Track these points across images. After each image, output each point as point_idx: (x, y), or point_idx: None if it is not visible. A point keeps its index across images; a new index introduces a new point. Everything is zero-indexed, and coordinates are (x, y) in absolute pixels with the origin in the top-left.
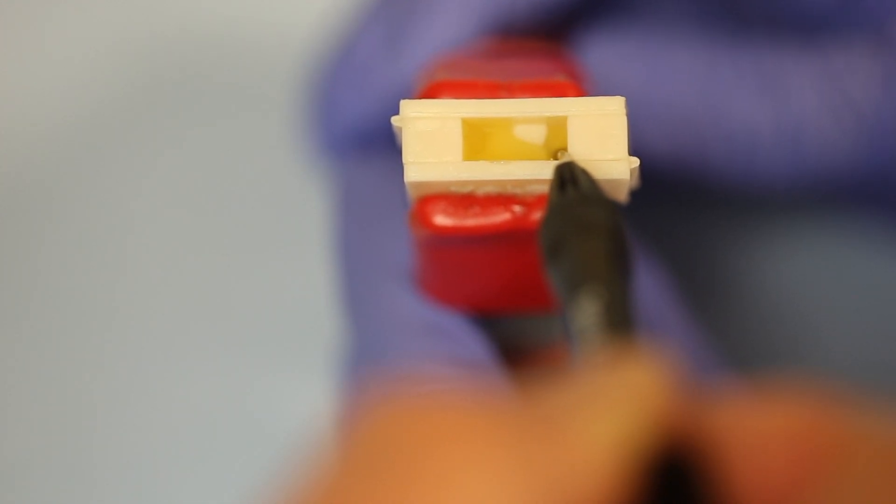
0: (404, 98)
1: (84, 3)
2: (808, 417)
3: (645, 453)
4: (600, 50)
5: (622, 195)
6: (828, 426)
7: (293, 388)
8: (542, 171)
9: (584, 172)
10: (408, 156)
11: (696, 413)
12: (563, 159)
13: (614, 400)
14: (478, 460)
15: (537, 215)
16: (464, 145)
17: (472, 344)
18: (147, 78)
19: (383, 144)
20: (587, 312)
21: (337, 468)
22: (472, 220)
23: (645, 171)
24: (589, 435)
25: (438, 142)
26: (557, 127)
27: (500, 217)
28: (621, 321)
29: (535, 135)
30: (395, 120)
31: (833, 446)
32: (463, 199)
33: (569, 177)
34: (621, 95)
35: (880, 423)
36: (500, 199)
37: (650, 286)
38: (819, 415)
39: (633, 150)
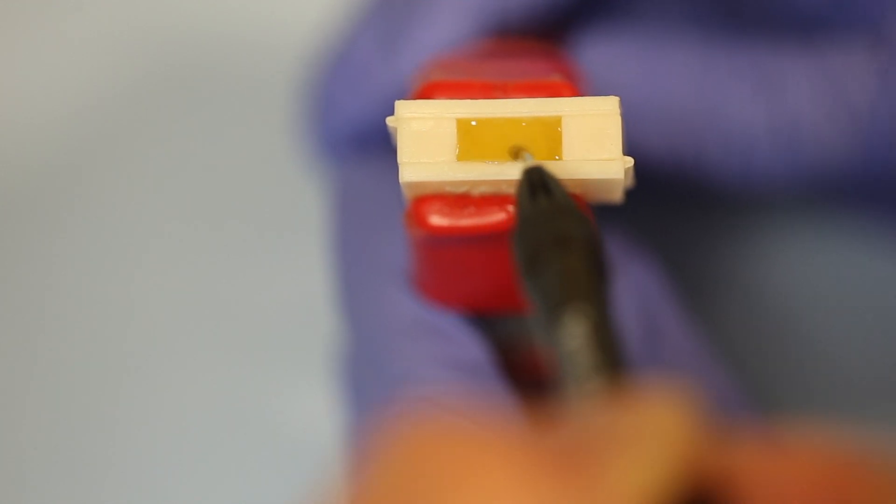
0: (400, 98)
1: (84, 1)
2: (833, 463)
3: (673, 500)
4: (596, 50)
5: (617, 195)
6: (854, 472)
7: (292, 390)
8: None
9: (555, 179)
10: (403, 156)
11: (721, 457)
12: (529, 162)
13: (644, 444)
14: (510, 497)
15: None
16: (458, 145)
17: (468, 344)
18: (143, 79)
19: (380, 145)
20: (574, 334)
21: (366, 496)
22: (468, 220)
23: (641, 171)
24: (620, 480)
25: (433, 142)
26: (552, 127)
27: (496, 217)
28: (610, 343)
29: (531, 135)
30: (390, 120)
31: (860, 493)
32: (458, 199)
33: (539, 183)
34: (617, 95)
35: None
36: (496, 198)
37: (648, 285)
38: (845, 460)
39: (629, 150)
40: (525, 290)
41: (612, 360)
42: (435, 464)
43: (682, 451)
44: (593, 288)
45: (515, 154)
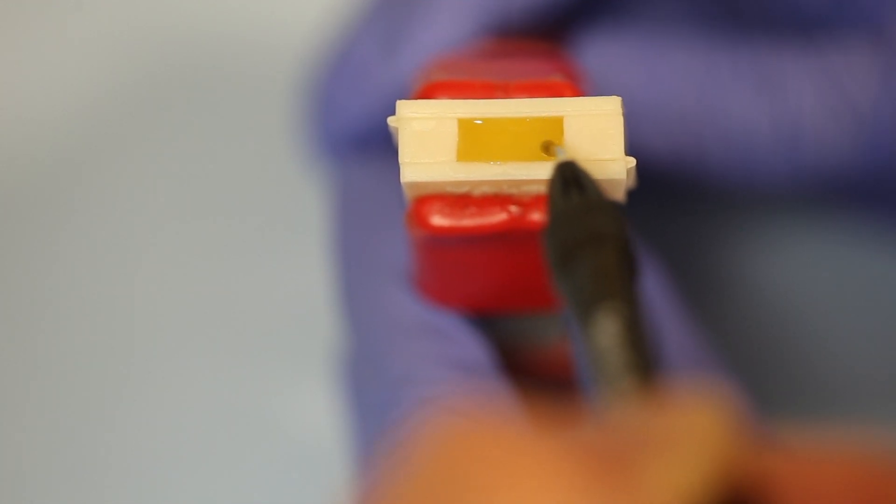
0: (401, 98)
1: (84, 1)
2: (868, 466)
3: (710, 502)
4: (598, 50)
5: (619, 195)
6: (889, 476)
7: (292, 390)
8: (539, 172)
9: (587, 175)
10: (404, 156)
11: (756, 460)
12: (562, 157)
13: (682, 445)
14: (550, 495)
15: (534, 215)
16: (460, 146)
17: (469, 344)
18: (144, 79)
19: (380, 145)
20: (607, 332)
21: (404, 496)
22: (469, 221)
23: (643, 171)
24: (658, 482)
25: (434, 142)
26: (554, 127)
27: (497, 217)
28: (642, 341)
29: (532, 135)
30: (391, 120)
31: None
32: (459, 200)
33: (571, 179)
34: (618, 95)
35: None
36: (497, 199)
37: (649, 285)
38: (880, 464)
39: (631, 150)
40: (556, 287)
41: (645, 358)
42: (471, 467)
43: (719, 454)
44: (626, 286)
45: (546, 148)
